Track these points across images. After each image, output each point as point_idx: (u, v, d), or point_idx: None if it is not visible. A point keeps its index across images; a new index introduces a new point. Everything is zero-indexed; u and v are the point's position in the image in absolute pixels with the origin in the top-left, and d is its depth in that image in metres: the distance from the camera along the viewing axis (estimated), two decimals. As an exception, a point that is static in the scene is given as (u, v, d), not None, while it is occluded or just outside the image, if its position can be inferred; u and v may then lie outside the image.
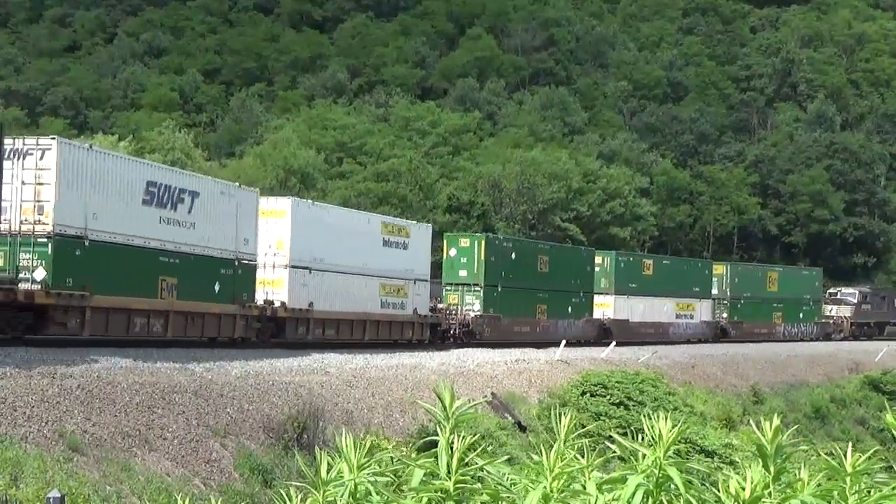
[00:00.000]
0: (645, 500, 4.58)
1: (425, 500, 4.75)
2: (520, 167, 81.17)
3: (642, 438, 4.85)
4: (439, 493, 4.74)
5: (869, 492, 4.72)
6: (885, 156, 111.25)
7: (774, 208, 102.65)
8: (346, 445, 4.92)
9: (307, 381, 26.58)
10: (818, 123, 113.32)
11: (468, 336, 42.11)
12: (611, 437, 5.27)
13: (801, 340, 63.83)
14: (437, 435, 4.92)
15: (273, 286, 32.61)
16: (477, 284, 43.79)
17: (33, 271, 23.80)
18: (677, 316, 56.78)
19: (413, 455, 5.42)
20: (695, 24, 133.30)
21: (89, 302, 24.48)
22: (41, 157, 23.96)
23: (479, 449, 4.96)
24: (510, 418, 30.44)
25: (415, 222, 43.97)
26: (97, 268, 24.76)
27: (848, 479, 4.72)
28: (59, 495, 12.81)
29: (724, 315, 61.36)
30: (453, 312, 42.78)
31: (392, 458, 5.41)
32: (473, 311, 43.24)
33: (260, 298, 31.86)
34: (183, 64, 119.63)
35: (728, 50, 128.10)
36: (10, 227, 23.53)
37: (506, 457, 21.71)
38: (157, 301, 26.91)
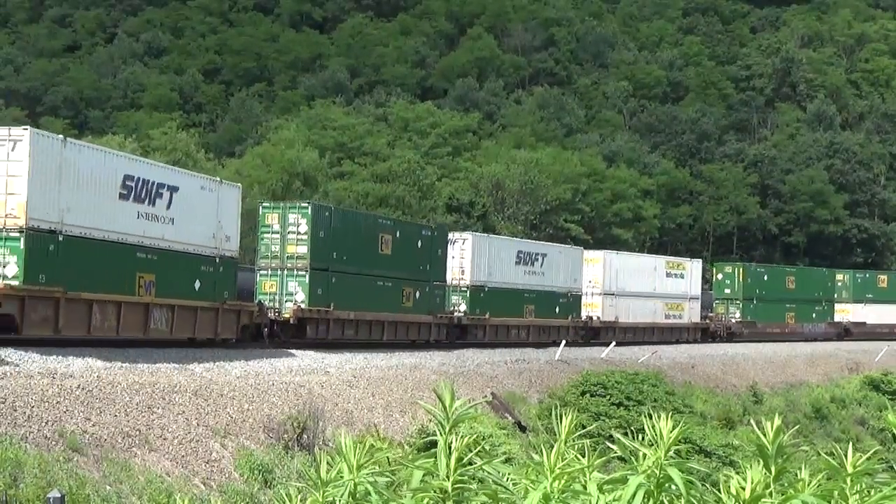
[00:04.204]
0: (646, 500, 4.57)
1: (425, 500, 4.74)
2: (523, 167, 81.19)
3: (643, 439, 4.84)
4: (438, 494, 4.73)
5: (869, 492, 4.71)
6: (885, 156, 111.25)
7: (774, 208, 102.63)
8: (346, 446, 4.91)
9: (307, 381, 26.58)
10: (818, 123, 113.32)
11: (730, 336, 58.40)
12: (611, 437, 5.26)
13: None
14: (437, 435, 4.91)
15: (592, 307, 49.67)
16: (737, 299, 61.13)
17: (459, 306, 41.42)
18: None
19: (413, 455, 5.41)
20: (695, 24, 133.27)
21: (488, 322, 42.23)
22: (463, 244, 41.73)
23: (478, 448, 4.95)
24: (510, 418, 30.44)
25: (689, 259, 59.94)
26: (491, 303, 42.39)
27: (848, 479, 4.71)
28: (59, 495, 12.82)
29: None
30: (721, 319, 59.68)
31: (389, 458, 5.40)
32: (735, 318, 60.77)
33: (584, 315, 48.71)
34: (183, 64, 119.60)
35: (728, 50, 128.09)
36: (447, 281, 40.43)
37: (503, 456, 21.70)
38: (524, 319, 44.66)
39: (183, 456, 20.02)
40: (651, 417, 4.85)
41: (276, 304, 32.53)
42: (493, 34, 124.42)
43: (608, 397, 33.06)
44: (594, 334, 48.88)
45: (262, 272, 33.27)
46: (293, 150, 75.74)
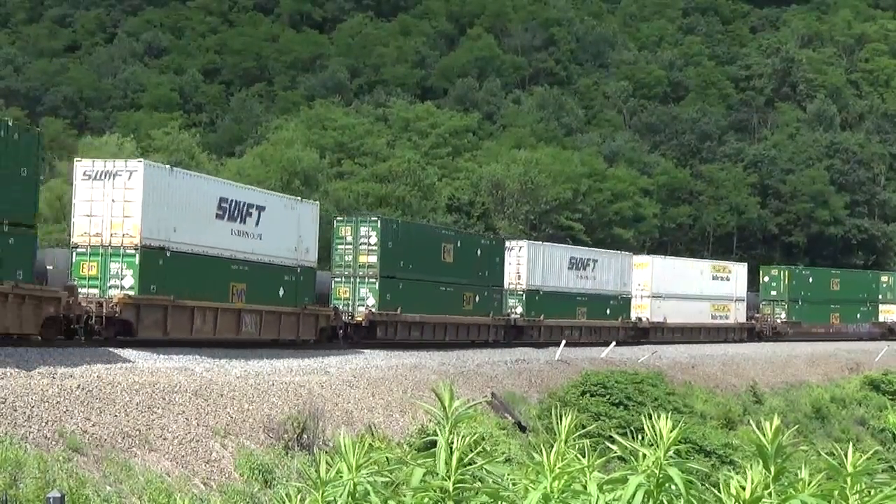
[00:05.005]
0: (646, 500, 4.57)
1: (425, 499, 4.73)
2: (523, 167, 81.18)
3: (642, 438, 4.84)
4: (438, 493, 4.73)
5: (869, 492, 4.70)
6: (885, 156, 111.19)
7: (774, 208, 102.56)
8: (345, 446, 4.91)
9: (307, 381, 26.58)
10: (818, 123, 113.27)
11: (776, 336, 61.72)
12: (611, 437, 5.26)
13: None
14: (437, 435, 4.90)
15: (641, 309, 53.28)
16: (783, 300, 64.35)
17: (515, 309, 44.54)
18: None
19: (412, 455, 5.40)
20: (695, 24, 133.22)
21: (542, 323, 45.32)
22: (519, 251, 45.18)
23: (479, 448, 4.95)
24: (510, 418, 30.43)
25: (734, 263, 63.67)
26: (545, 305, 45.54)
27: (848, 479, 4.71)
28: (59, 495, 12.81)
29: None
30: (766, 320, 62.89)
31: (389, 458, 5.40)
32: (780, 318, 63.92)
33: (633, 316, 52.26)
34: (183, 64, 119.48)
35: (728, 50, 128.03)
36: (504, 285, 43.87)
37: (503, 456, 21.70)
38: (576, 320, 47.82)
39: (183, 456, 20.01)
40: (651, 417, 4.85)
41: (350, 309, 36.21)
42: (493, 34, 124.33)
43: (608, 397, 33.06)
44: (644, 334, 52.13)
45: (336, 279, 36.92)
46: (293, 150, 75.64)
